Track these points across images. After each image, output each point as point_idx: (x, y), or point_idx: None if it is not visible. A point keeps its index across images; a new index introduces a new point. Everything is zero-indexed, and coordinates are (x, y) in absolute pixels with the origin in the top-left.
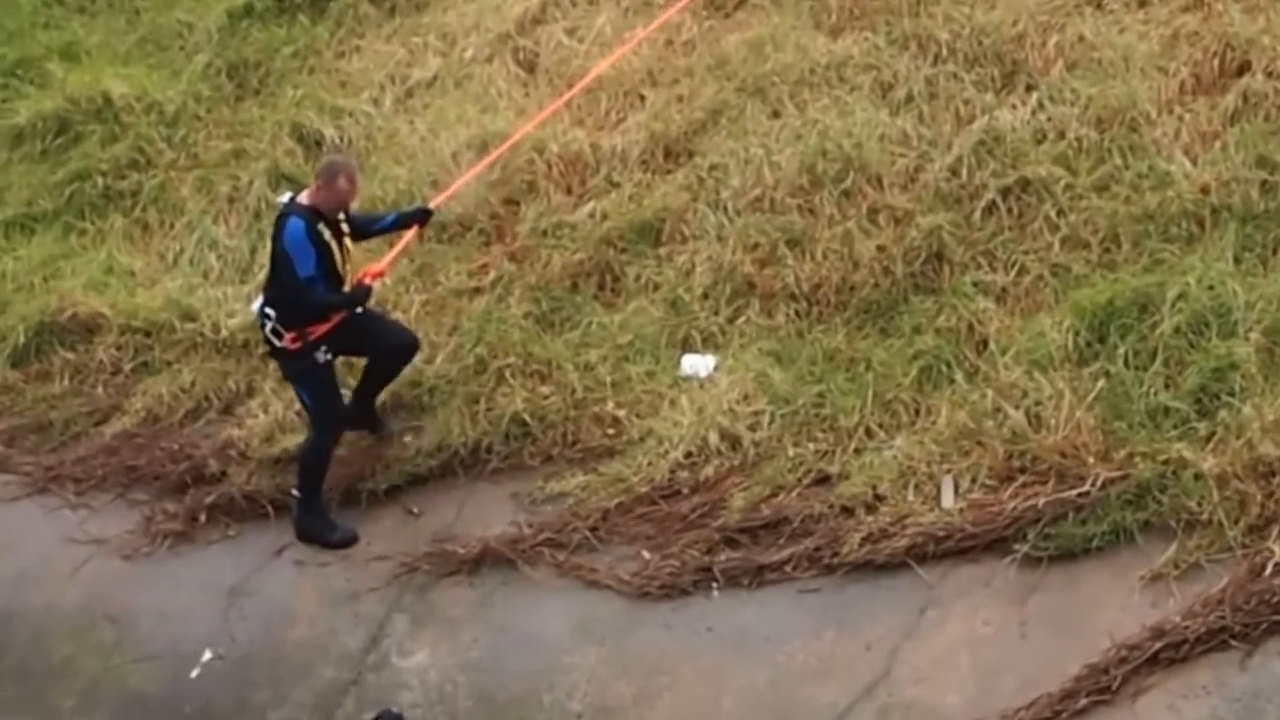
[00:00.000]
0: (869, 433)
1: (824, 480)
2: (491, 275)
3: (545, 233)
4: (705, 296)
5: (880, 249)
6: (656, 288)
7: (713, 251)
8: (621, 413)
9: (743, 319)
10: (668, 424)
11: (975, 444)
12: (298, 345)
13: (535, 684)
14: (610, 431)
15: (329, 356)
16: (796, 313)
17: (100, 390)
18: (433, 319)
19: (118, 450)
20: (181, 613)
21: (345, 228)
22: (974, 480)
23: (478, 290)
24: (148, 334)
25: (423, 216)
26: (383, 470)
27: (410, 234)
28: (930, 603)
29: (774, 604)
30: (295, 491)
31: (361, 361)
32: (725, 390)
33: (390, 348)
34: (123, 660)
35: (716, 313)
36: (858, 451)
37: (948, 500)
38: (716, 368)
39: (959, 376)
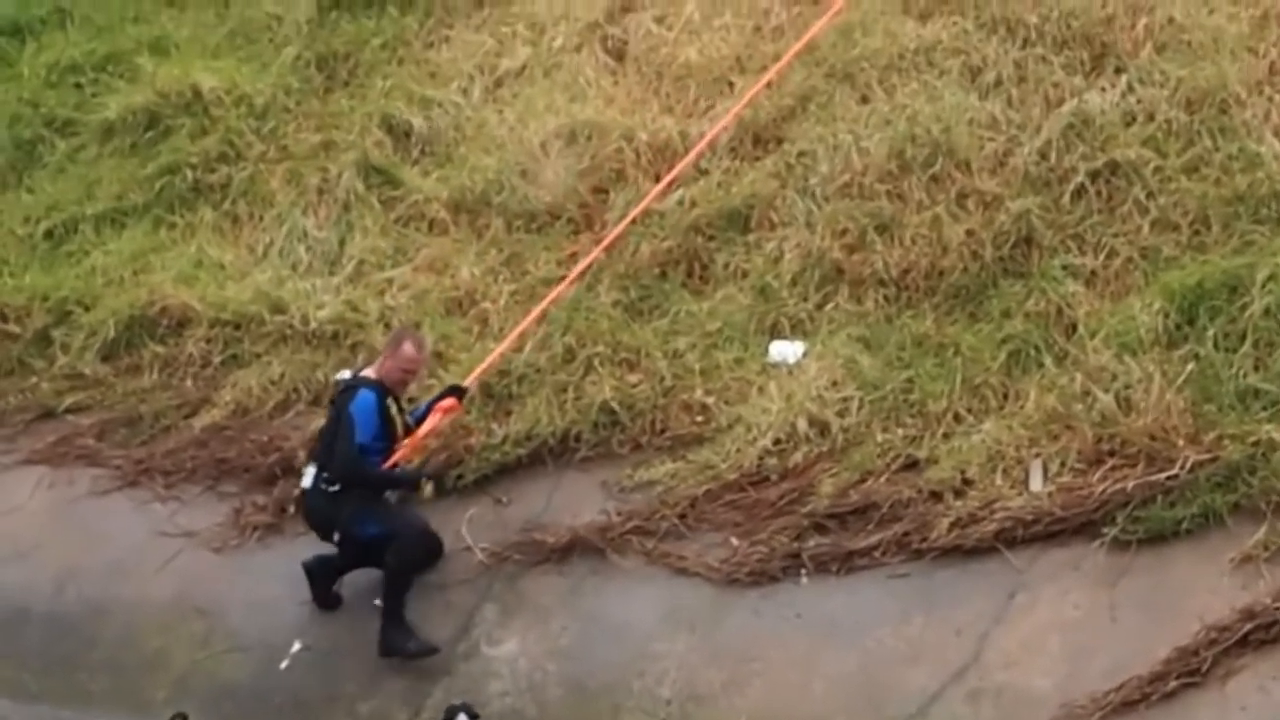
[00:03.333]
0: (957, 417)
1: (912, 465)
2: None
3: (634, 220)
4: (794, 283)
5: (969, 233)
6: (745, 275)
7: (801, 238)
8: (710, 400)
9: (831, 305)
10: (756, 411)
11: (1064, 428)
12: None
13: (625, 672)
14: (699, 419)
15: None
16: (885, 298)
17: (190, 383)
18: (521, 308)
19: (207, 443)
20: (271, 604)
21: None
22: (1063, 464)
23: (567, 279)
24: (237, 326)
25: (455, 393)
26: (472, 460)
27: (449, 404)
28: (1019, 587)
29: (863, 590)
30: (379, 602)
31: None
32: (814, 376)
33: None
34: (213, 652)
35: (805, 299)
36: (946, 436)
37: (1036, 484)
38: (805, 354)
39: (1048, 360)
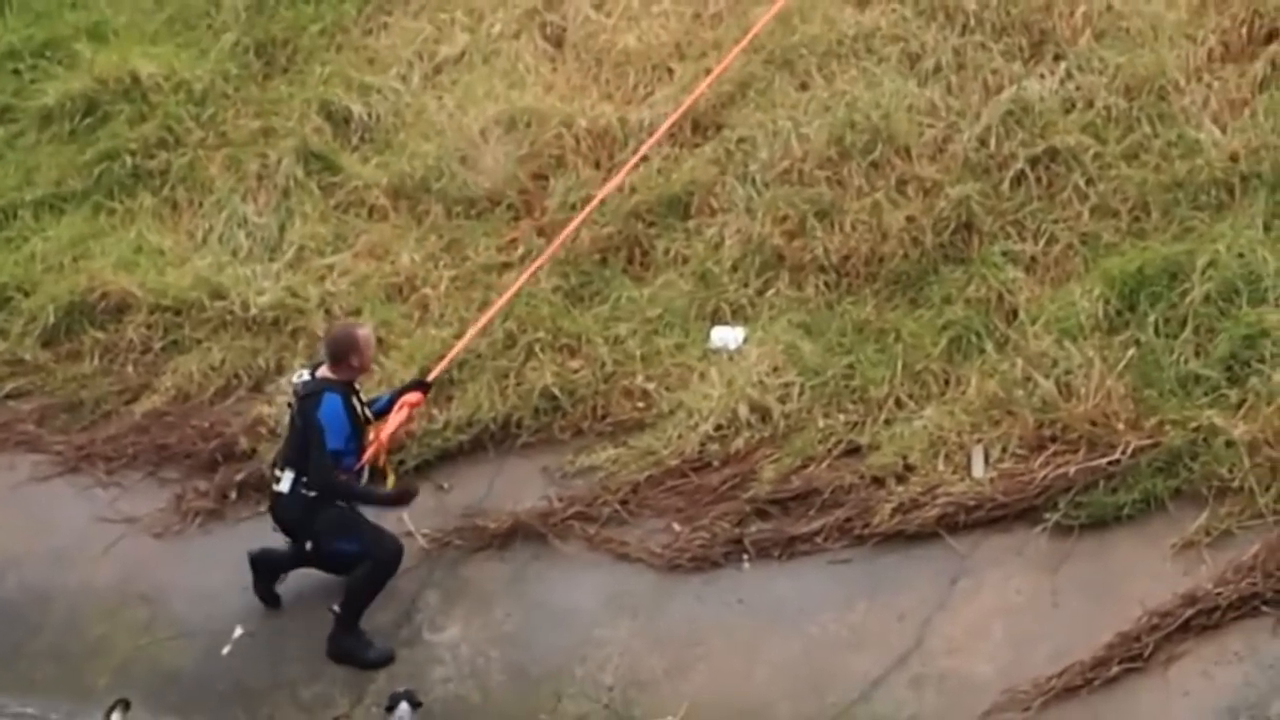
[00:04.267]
0: (899, 403)
1: (854, 451)
2: (520, 250)
3: (574, 207)
4: (734, 269)
5: (909, 220)
6: (685, 261)
7: (741, 224)
8: (651, 386)
9: (772, 291)
10: (697, 397)
11: (1006, 413)
12: None
13: (568, 658)
14: (640, 405)
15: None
16: (826, 284)
17: (130, 369)
18: (462, 294)
19: (148, 429)
20: (213, 590)
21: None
22: (1005, 449)
23: (507, 265)
24: (177, 312)
25: (419, 387)
26: (413, 445)
27: (414, 399)
28: (962, 572)
29: (806, 575)
30: (336, 609)
31: None
32: (755, 362)
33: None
34: (156, 638)
35: (746, 285)
36: (888, 422)
37: (978, 470)
38: (746, 340)
39: (989, 346)
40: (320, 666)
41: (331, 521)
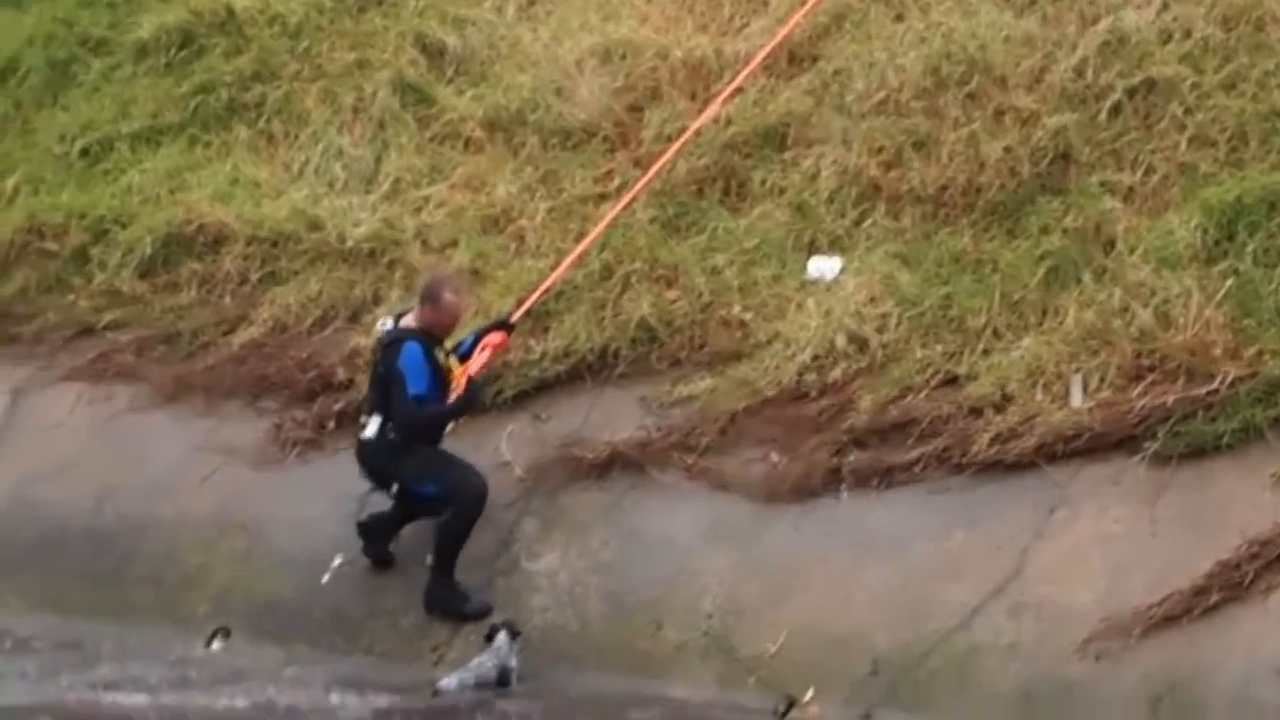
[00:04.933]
0: (996, 333)
1: (952, 381)
2: (616, 182)
3: (669, 139)
4: (831, 200)
5: (1006, 150)
6: (782, 192)
7: (838, 155)
8: (748, 316)
9: (869, 222)
10: (795, 327)
11: (1103, 343)
12: None
13: (666, 586)
14: (737, 335)
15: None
16: (923, 215)
17: (227, 300)
18: (558, 226)
19: (246, 360)
20: (312, 519)
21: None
22: (1102, 379)
23: (602, 197)
24: (274, 244)
25: (502, 327)
26: (511, 376)
27: (498, 340)
28: (1060, 502)
29: (903, 505)
30: (430, 560)
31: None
32: (852, 293)
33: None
34: (254, 567)
35: (842, 216)
36: (986, 352)
37: (1076, 399)
38: (843, 270)
39: (1086, 276)
40: (418, 596)
41: (416, 464)
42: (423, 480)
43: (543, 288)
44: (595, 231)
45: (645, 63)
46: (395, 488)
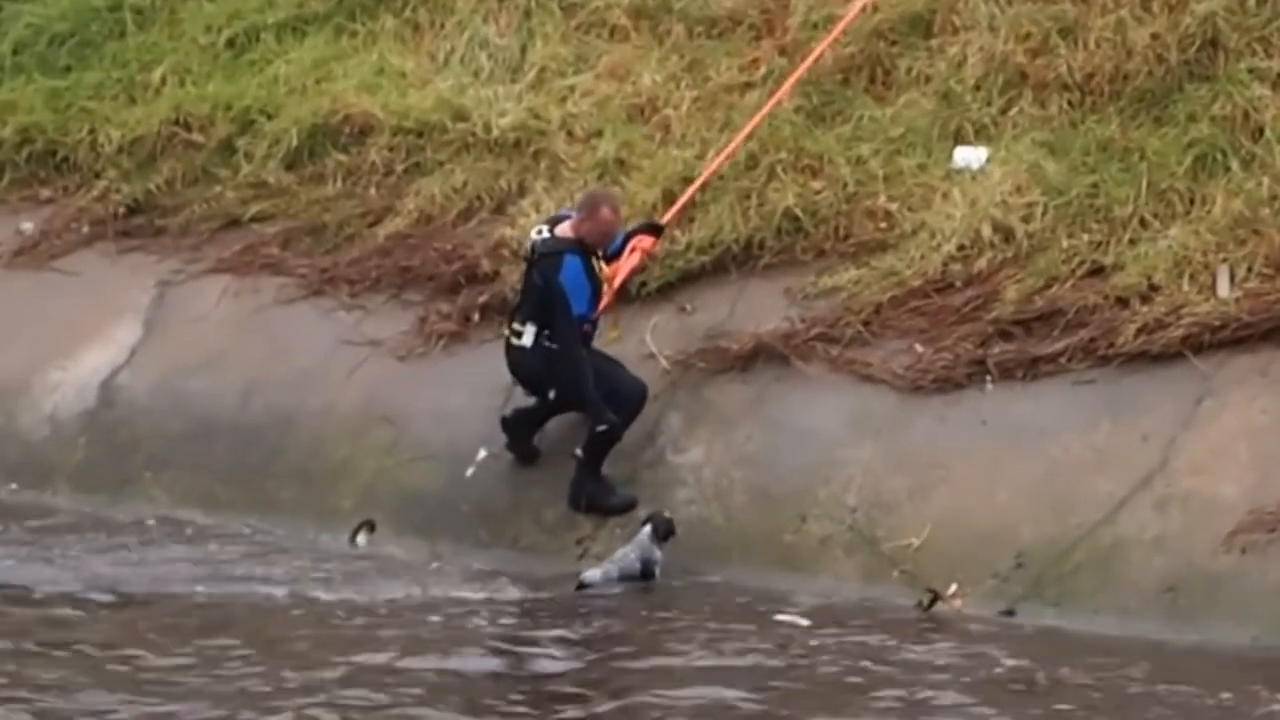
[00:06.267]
0: (1143, 223)
1: (1098, 271)
2: (762, 70)
3: (816, 26)
4: (977, 88)
5: (1154, 36)
6: (928, 80)
7: (984, 42)
8: (893, 206)
9: (1015, 110)
10: (940, 217)
11: (1251, 232)
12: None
13: (810, 479)
14: (882, 225)
15: None
16: (1069, 103)
17: (373, 191)
18: (704, 115)
19: (391, 251)
20: (457, 412)
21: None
22: (1250, 269)
23: (748, 85)
24: (419, 134)
25: (651, 230)
26: (656, 267)
27: (648, 244)
28: (1207, 393)
29: (1049, 396)
30: (578, 452)
31: None
32: (998, 182)
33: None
34: (399, 460)
35: (989, 104)
36: (1132, 242)
37: (1223, 289)
38: (989, 159)
39: (1235, 164)
40: (562, 489)
41: (571, 371)
42: (569, 387)
43: (692, 189)
44: (744, 131)
45: None
46: (553, 394)
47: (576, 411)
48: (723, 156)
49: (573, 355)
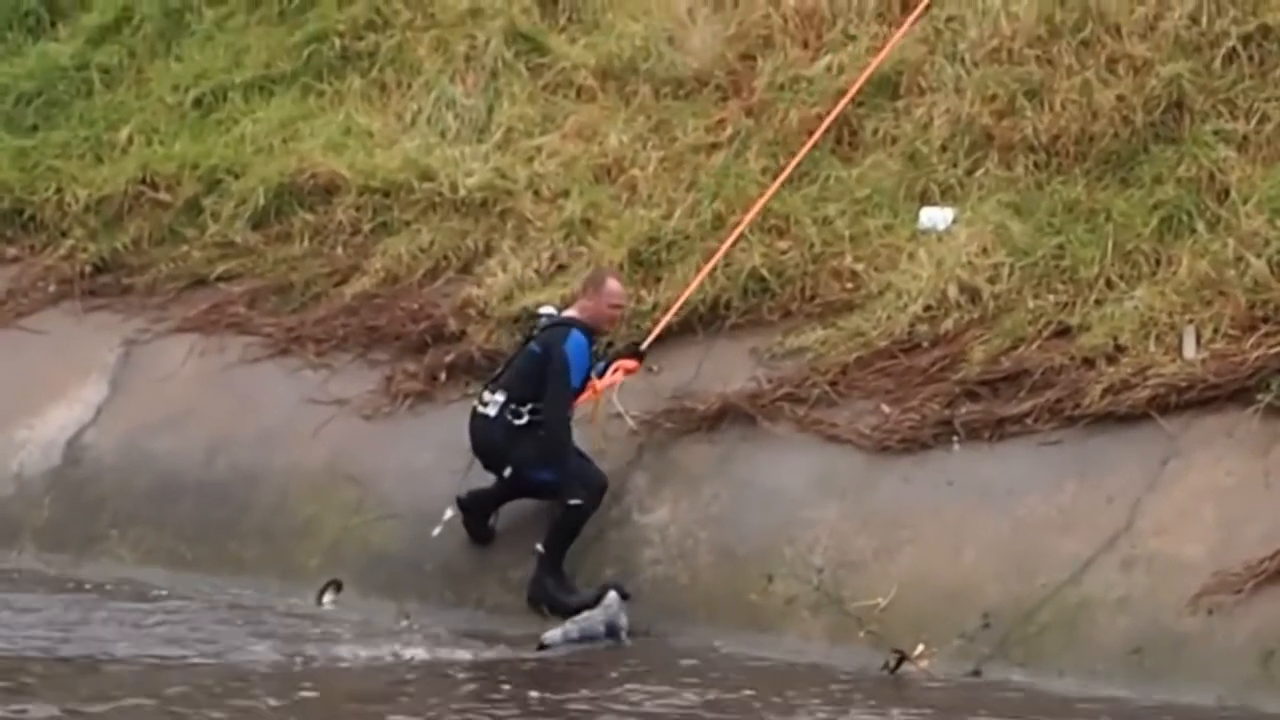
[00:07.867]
0: (1109, 284)
1: (1064, 332)
2: (728, 130)
3: (782, 87)
4: (943, 149)
5: (1120, 98)
6: (894, 141)
7: (950, 103)
8: (860, 266)
9: (981, 171)
10: (906, 277)
11: (1217, 293)
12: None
13: (776, 538)
14: (849, 285)
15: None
16: (1035, 164)
17: (339, 251)
18: (670, 175)
19: (358, 310)
20: (423, 472)
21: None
22: (1216, 330)
23: (715, 146)
24: (386, 194)
25: (634, 354)
26: (622, 327)
27: (631, 365)
28: (1172, 454)
29: (1015, 457)
30: (539, 548)
31: None
32: (964, 243)
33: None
34: (365, 519)
35: (955, 165)
36: (1098, 302)
37: (1190, 350)
38: (955, 220)
39: (1200, 226)
40: (529, 550)
41: (535, 450)
42: (541, 468)
43: (672, 310)
44: (721, 250)
45: (758, 10)
46: (508, 471)
47: (533, 497)
48: (697, 280)
49: (560, 425)
